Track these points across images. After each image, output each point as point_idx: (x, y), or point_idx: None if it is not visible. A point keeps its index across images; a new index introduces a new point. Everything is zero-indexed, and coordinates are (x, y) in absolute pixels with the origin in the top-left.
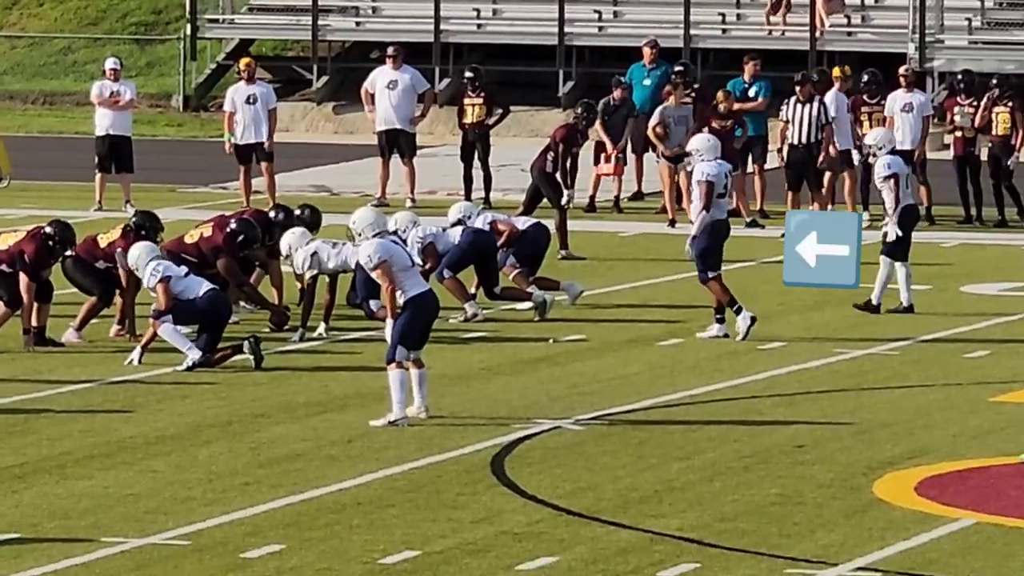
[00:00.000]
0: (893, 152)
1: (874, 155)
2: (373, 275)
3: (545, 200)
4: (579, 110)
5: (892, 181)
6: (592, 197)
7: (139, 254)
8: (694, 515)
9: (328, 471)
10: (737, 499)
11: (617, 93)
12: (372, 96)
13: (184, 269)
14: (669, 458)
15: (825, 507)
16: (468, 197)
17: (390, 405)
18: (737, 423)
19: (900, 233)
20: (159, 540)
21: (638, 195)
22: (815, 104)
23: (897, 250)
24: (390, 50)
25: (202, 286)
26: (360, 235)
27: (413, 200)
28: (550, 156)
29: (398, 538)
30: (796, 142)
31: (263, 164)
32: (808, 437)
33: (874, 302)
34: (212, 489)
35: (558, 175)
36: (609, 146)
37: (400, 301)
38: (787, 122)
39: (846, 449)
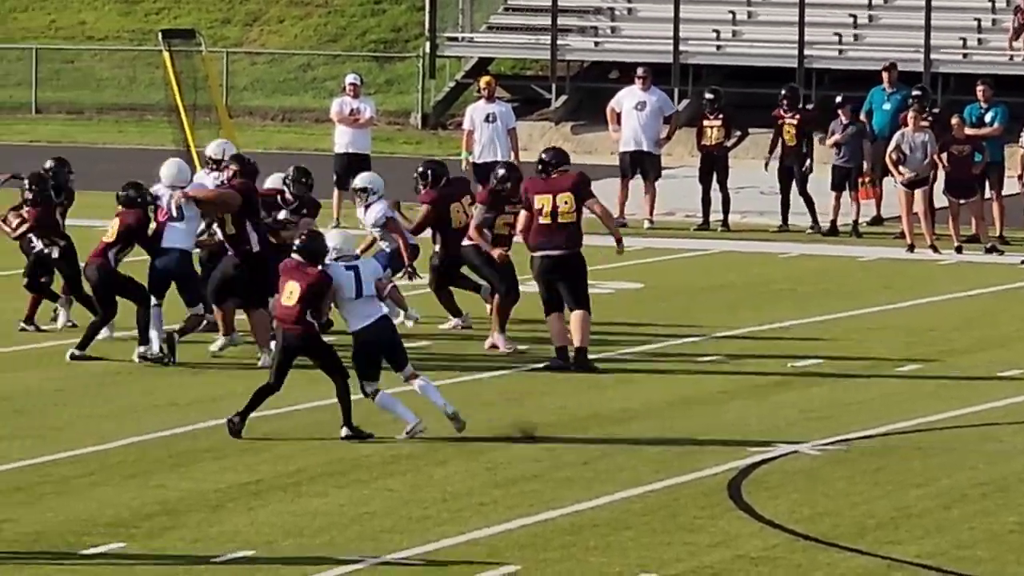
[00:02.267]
0: None
1: None
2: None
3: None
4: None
5: None
6: (833, 221)
7: None
8: (931, 542)
9: (565, 492)
10: (975, 527)
11: (844, 116)
12: (618, 116)
13: None
14: (906, 484)
15: None
16: (706, 219)
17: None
18: (975, 450)
19: None
20: (394, 559)
21: (877, 220)
22: None
23: None
24: (639, 71)
25: None
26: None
27: (651, 221)
28: None
29: (634, 561)
30: None
31: None
32: None
33: None
34: (448, 509)
35: None
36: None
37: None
38: None
39: None
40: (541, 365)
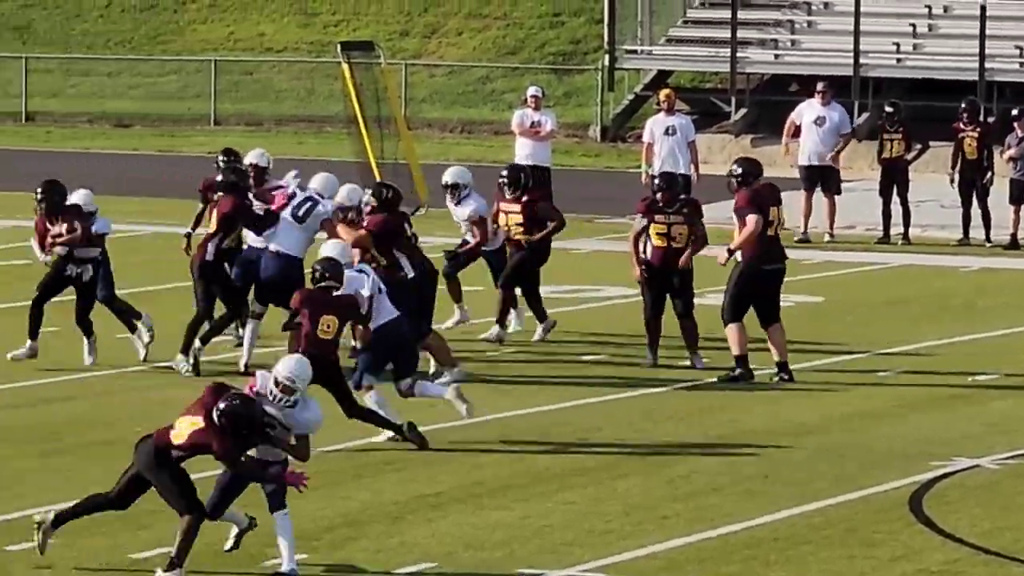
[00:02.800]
0: None
1: None
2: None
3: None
4: None
5: None
6: (1013, 235)
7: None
8: None
9: (745, 506)
10: None
11: (1020, 130)
12: (796, 128)
13: None
14: None
15: None
16: (887, 233)
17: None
18: None
19: None
20: (576, 572)
21: None
22: None
23: None
24: (819, 86)
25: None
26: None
27: (832, 235)
28: None
29: (814, 575)
30: None
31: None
32: None
33: None
34: (629, 522)
35: None
36: None
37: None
38: None
39: None
40: (716, 379)
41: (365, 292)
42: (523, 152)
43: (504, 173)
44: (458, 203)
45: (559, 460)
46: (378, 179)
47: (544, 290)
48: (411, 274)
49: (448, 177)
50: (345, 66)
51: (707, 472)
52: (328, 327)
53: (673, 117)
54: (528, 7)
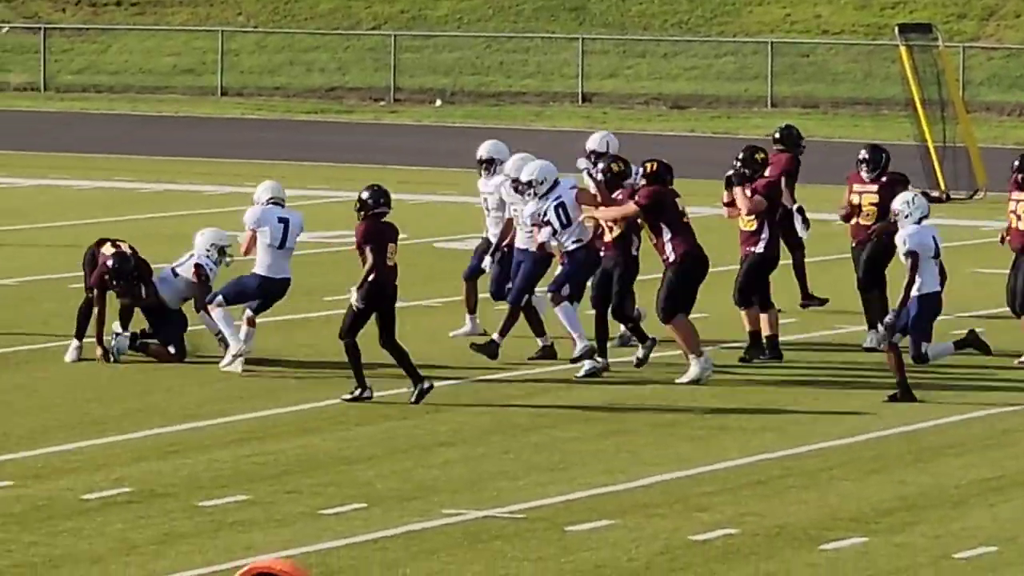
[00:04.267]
0: None
1: None
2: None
3: None
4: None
5: None
6: None
7: None
8: None
9: None
10: None
11: None
12: None
13: None
14: None
15: None
16: None
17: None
18: None
19: None
20: None
21: None
22: None
23: None
24: None
25: None
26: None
27: None
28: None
29: None
30: None
31: None
32: None
33: None
34: None
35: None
36: None
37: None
38: None
39: None
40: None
41: None
42: None
43: (864, 153)
44: (490, 178)
45: None
46: (936, 164)
47: None
48: (671, 257)
49: (483, 151)
50: (903, 48)
51: None
52: (392, 253)
53: None
54: None
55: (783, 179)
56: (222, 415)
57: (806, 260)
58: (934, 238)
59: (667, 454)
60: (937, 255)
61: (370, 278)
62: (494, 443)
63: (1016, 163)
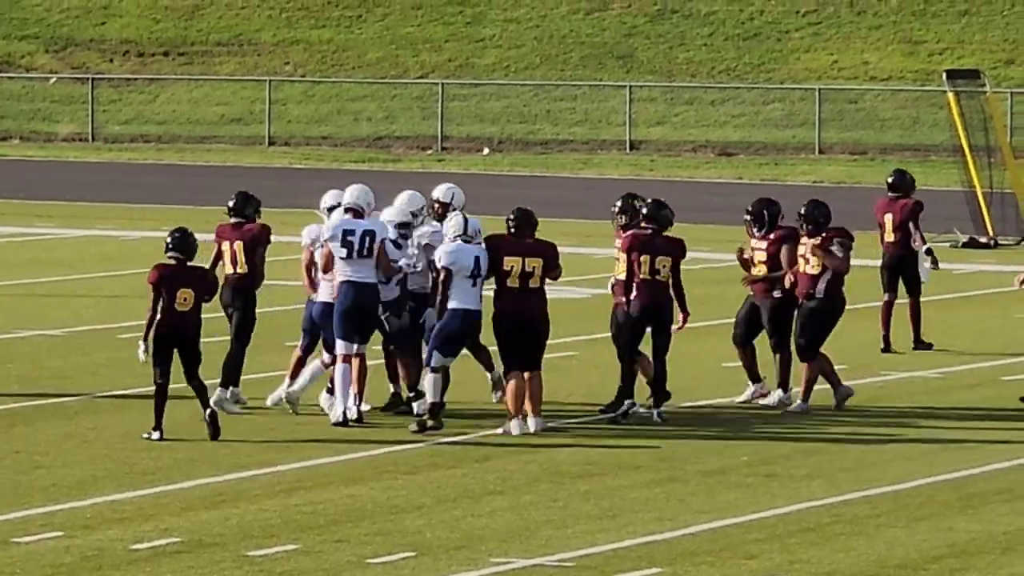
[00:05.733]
0: None
1: None
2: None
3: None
4: None
5: None
6: None
7: None
8: None
9: None
10: None
11: None
12: None
13: None
14: None
15: None
16: None
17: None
18: None
19: None
20: None
21: None
22: None
23: None
24: None
25: None
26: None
27: None
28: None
29: None
30: None
31: None
32: None
33: None
34: None
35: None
36: None
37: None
38: None
39: None
40: None
41: None
42: None
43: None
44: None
45: None
46: (984, 209)
47: None
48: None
49: (438, 193)
50: (951, 94)
51: None
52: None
53: None
54: None
55: (910, 223)
56: (270, 464)
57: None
58: None
59: (716, 502)
60: None
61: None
62: (542, 491)
63: None
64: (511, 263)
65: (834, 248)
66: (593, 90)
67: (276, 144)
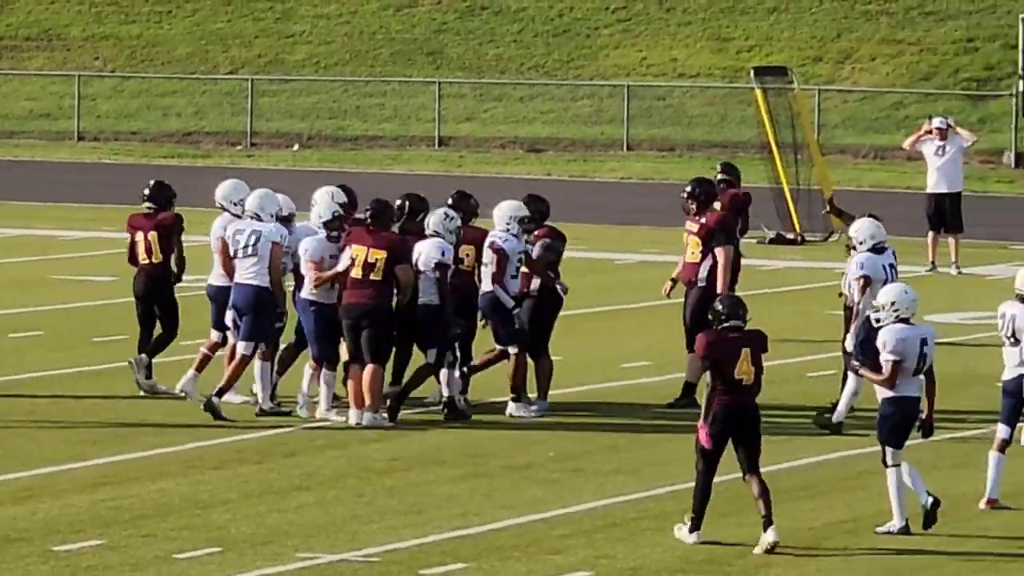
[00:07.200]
0: None
1: None
2: None
3: None
4: None
5: None
6: None
7: None
8: None
9: None
10: None
11: None
12: None
13: None
14: None
15: None
16: None
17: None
18: None
19: None
20: None
21: None
22: None
23: None
24: None
25: None
26: None
27: None
28: None
29: None
30: None
31: None
32: None
33: None
34: None
35: None
36: None
37: None
38: None
39: None
40: None
41: None
42: (933, 179)
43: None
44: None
45: None
46: (791, 206)
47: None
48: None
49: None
50: (758, 91)
51: None
52: None
53: None
54: (942, 33)
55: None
56: (77, 459)
57: None
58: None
59: (522, 497)
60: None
61: None
62: (348, 487)
63: None
64: (356, 252)
65: (536, 246)
66: (403, 86)
67: (85, 139)
